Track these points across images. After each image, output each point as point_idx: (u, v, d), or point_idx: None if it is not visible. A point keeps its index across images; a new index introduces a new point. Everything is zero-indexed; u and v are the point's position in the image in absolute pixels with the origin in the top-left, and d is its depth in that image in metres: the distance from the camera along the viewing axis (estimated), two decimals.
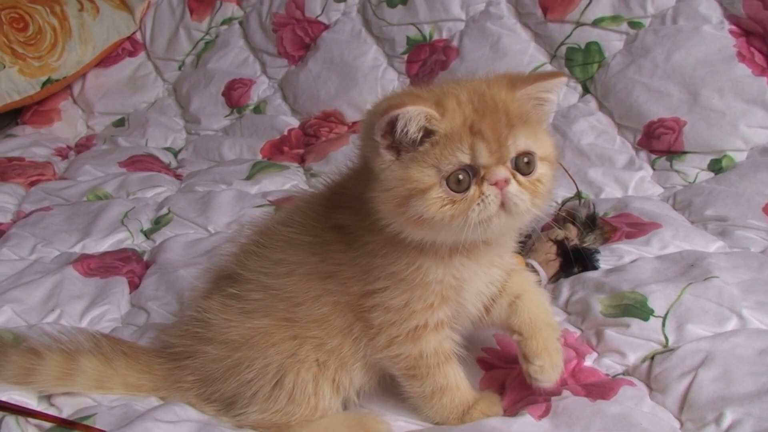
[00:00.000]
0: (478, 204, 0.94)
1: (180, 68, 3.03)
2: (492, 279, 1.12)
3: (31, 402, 1.18)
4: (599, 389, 1.15)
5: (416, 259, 1.03)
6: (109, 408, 1.14)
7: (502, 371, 1.25)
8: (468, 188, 0.94)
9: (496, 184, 0.94)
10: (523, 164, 0.97)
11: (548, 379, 1.09)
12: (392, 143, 0.96)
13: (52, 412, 1.16)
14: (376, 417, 1.16)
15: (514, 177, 0.96)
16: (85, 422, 1.09)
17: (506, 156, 0.95)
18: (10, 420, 1.09)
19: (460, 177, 0.94)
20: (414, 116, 0.93)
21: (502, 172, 0.94)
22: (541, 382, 1.09)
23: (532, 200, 0.97)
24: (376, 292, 1.06)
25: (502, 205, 0.95)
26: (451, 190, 0.94)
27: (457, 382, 1.14)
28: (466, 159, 0.94)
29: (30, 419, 1.11)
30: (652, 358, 1.23)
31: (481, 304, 1.13)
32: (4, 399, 1.14)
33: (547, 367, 1.08)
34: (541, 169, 0.99)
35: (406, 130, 0.93)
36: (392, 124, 0.94)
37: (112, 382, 1.20)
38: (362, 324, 1.09)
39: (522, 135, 0.96)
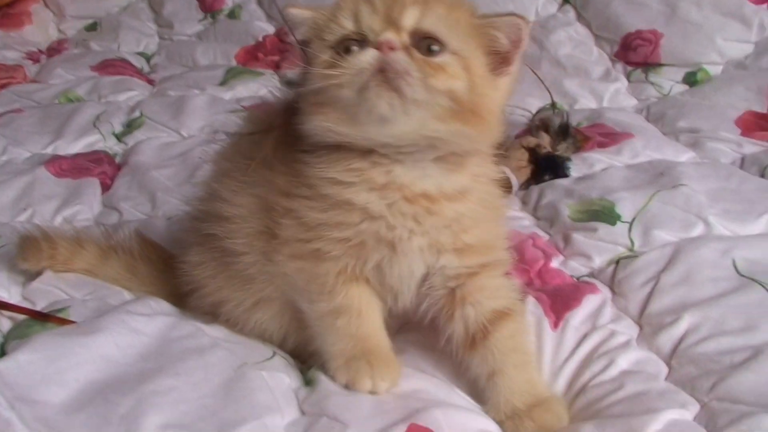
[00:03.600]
0: (356, 64, 0.85)
1: None
2: (433, 240, 0.94)
3: (2, 294, 1.19)
4: (563, 299, 1.15)
5: (342, 174, 0.92)
6: (82, 301, 1.15)
7: None
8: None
9: (379, 47, 0.85)
10: (425, 48, 0.86)
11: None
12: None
13: (25, 305, 1.17)
14: None
15: (407, 51, 0.85)
16: (59, 315, 1.10)
17: (397, 21, 0.86)
18: None
19: (349, 44, 0.87)
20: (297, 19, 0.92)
21: (390, 35, 0.85)
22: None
23: (424, 80, 0.84)
24: (296, 198, 0.94)
25: (383, 71, 0.84)
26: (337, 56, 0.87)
27: (362, 308, 0.98)
28: (349, 24, 0.87)
29: (3, 312, 1.12)
30: (617, 262, 1.25)
31: (416, 279, 0.98)
32: None
33: None
34: (452, 64, 0.86)
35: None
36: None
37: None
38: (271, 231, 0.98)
39: (432, 15, 0.86)
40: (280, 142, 0.98)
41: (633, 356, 1.04)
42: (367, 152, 0.90)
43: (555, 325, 1.10)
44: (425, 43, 0.86)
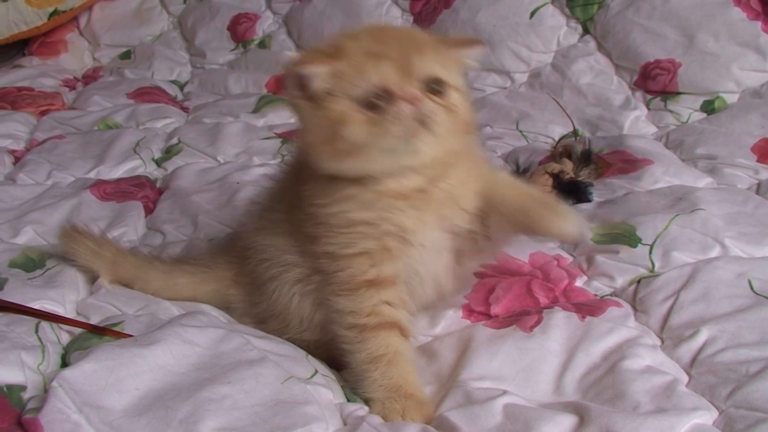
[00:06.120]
0: (396, 118, 0.97)
1: (185, 1, 3.06)
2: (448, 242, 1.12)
3: (59, 310, 1.26)
4: (589, 308, 1.22)
5: (342, 203, 1.06)
6: (134, 316, 1.22)
7: (495, 279, 1.33)
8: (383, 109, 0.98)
9: (408, 100, 0.97)
10: (432, 90, 1.00)
11: (576, 227, 1.06)
12: (308, 95, 1.02)
13: (80, 320, 1.24)
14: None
15: (428, 98, 0.99)
16: (115, 329, 1.17)
17: (413, 73, 0.99)
18: (45, 325, 1.17)
19: (373, 99, 0.98)
20: (314, 75, 1.00)
21: (413, 90, 0.98)
22: (569, 232, 1.06)
23: (450, 119, 1.01)
24: (317, 239, 1.09)
25: (421, 122, 0.98)
26: (368, 112, 0.98)
27: (390, 356, 1.08)
28: (374, 79, 0.98)
29: (62, 325, 1.19)
30: (639, 281, 1.31)
31: (439, 279, 1.15)
32: (37, 307, 1.22)
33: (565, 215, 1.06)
34: (459, 100, 1.03)
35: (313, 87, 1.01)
36: (302, 83, 1.01)
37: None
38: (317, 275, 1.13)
39: (432, 61, 1.01)
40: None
41: (658, 358, 1.12)
42: (356, 179, 1.05)
43: (582, 318, 1.18)
44: (432, 86, 1.01)
